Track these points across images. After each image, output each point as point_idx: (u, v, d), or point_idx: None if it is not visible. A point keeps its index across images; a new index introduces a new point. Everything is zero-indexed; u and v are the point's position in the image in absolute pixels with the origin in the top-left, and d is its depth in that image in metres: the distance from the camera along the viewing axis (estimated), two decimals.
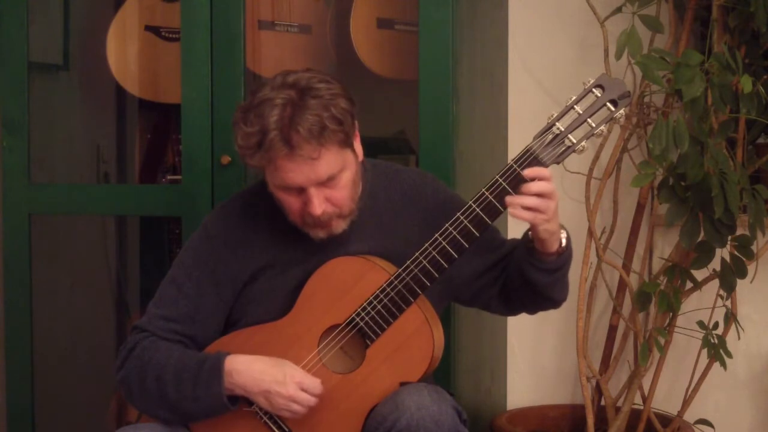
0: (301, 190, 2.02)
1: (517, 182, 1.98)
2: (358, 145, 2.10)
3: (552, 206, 1.98)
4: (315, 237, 2.09)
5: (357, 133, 2.09)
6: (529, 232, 2.06)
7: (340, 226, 2.08)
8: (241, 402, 2.08)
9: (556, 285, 2.13)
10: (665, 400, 2.91)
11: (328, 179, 2.01)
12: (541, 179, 1.97)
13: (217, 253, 2.14)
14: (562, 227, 2.08)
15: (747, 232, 2.56)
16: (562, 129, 1.98)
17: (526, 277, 2.09)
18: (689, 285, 2.72)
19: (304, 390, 2.03)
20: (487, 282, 2.18)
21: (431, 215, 2.12)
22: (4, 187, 2.80)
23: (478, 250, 2.09)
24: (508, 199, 1.98)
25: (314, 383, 2.04)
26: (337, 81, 2.04)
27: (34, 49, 2.81)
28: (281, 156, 1.97)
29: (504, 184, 1.98)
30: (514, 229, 2.47)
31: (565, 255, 2.09)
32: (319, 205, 2.02)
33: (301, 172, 1.99)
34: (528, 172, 1.97)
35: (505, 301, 2.20)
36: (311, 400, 2.03)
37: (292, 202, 2.05)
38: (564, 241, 2.07)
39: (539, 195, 1.97)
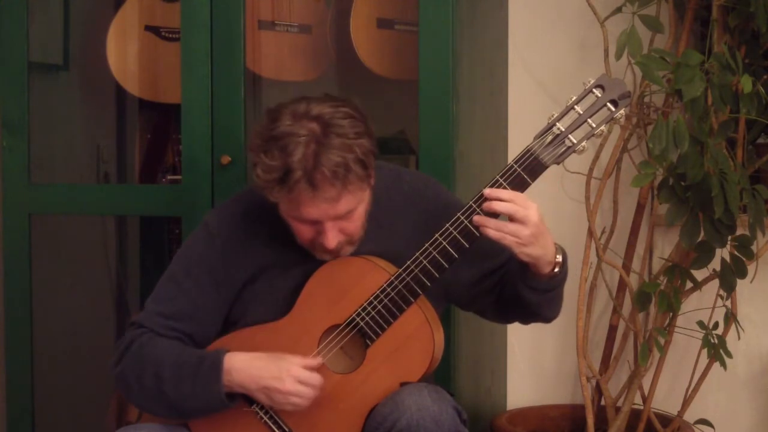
0: (315, 222, 2.02)
1: (517, 183, 1.98)
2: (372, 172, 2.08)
3: (524, 232, 1.95)
4: (321, 258, 2.09)
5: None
6: None
7: (347, 251, 2.09)
8: (240, 401, 2.08)
9: (546, 304, 2.12)
10: (665, 400, 2.91)
11: (345, 214, 2.02)
12: (509, 202, 1.96)
13: (218, 251, 2.14)
14: (561, 252, 2.06)
15: (747, 232, 2.56)
16: (563, 129, 1.98)
17: (516, 292, 2.09)
18: (689, 285, 2.71)
19: (301, 383, 2.02)
20: (485, 288, 2.18)
21: (432, 218, 2.11)
22: (4, 187, 2.80)
23: (477, 255, 2.09)
24: (476, 218, 1.96)
25: (311, 376, 2.03)
26: (359, 112, 2.02)
27: (34, 49, 2.81)
28: (303, 194, 1.96)
29: (504, 184, 1.98)
30: None
31: (557, 278, 2.07)
32: (333, 239, 2.02)
33: (320, 208, 1.99)
34: (489, 193, 1.96)
35: (502, 311, 2.20)
36: (310, 392, 2.02)
37: (304, 231, 2.05)
38: (557, 268, 2.05)
39: (510, 216, 1.95)
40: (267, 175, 1.97)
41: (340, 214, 2.00)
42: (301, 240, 2.08)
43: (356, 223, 2.05)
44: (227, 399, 2.05)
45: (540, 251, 2.00)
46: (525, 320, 2.22)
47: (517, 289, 2.09)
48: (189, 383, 2.05)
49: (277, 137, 1.96)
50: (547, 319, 2.18)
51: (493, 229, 1.96)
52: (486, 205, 1.97)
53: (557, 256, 2.04)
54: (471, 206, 2.00)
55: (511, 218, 1.96)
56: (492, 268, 2.17)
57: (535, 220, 1.96)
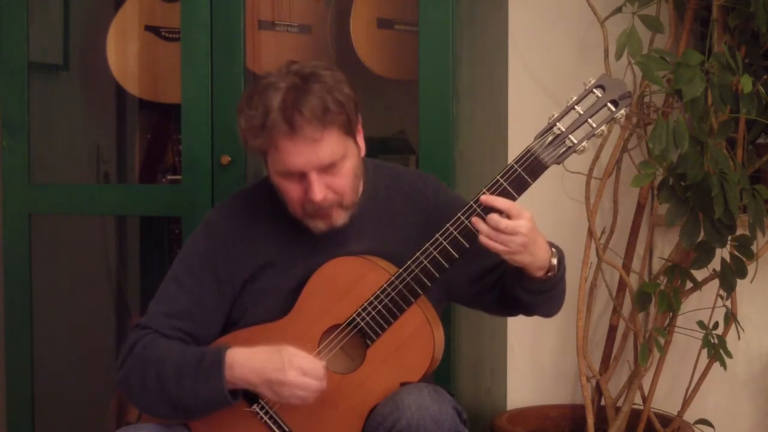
0: (302, 177, 2.02)
1: (517, 183, 1.98)
2: (360, 140, 2.11)
3: (515, 241, 1.95)
4: (315, 229, 2.08)
5: (360, 127, 2.10)
6: None
7: (340, 217, 2.08)
8: (241, 401, 2.08)
9: (543, 303, 2.13)
10: (665, 400, 2.91)
11: (329, 165, 2.01)
12: (504, 212, 1.96)
13: (219, 250, 2.14)
14: (557, 254, 2.05)
15: (747, 232, 2.56)
16: (563, 129, 1.98)
17: (513, 293, 2.10)
18: (689, 285, 2.72)
19: (305, 375, 2.01)
20: (486, 285, 2.18)
21: (432, 216, 2.12)
22: (4, 187, 2.80)
23: (478, 253, 2.09)
24: (473, 220, 1.97)
25: (314, 367, 2.01)
26: (342, 73, 2.06)
27: (34, 49, 2.81)
28: (282, 135, 1.98)
29: (504, 184, 1.98)
30: None
31: (552, 281, 2.06)
32: (319, 191, 2.02)
33: (303, 154, 1.99)
34: (486, 200, 1.97)
35: (505, 307, 2.20)
36: (315, 384, 2.01)
37: (292, 190, 2.05)
38: (550, 273, 2.04)
39: (497, 229, 1.96)
40: (249, 123, 2.01)
41: (323, 161, 2.00)
42: (293, 207, 2.07)
43: (343, 180, 2.05)
44: (230, 395, 2.05)
45: (529, 259, 2.00)
46: (527, 315, 2.21)
47: (513, 290, 2.09)
48: (191, 380, 2.04)
49: (259, 90, 2.01)
50: (546, 316, 2.19)
51: (484, 236, 1.97)
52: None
53: (552, 260, 2.04)
54: (471, 206, 2.00)
55: (499, 230, 1.96)
56: (492, 265, 2.17)
57: (524, 230, 1.96)
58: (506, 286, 2.12)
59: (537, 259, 2.01)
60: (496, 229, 1.95)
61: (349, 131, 2.04)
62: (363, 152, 2.12)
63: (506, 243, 1.96)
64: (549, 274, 2.05)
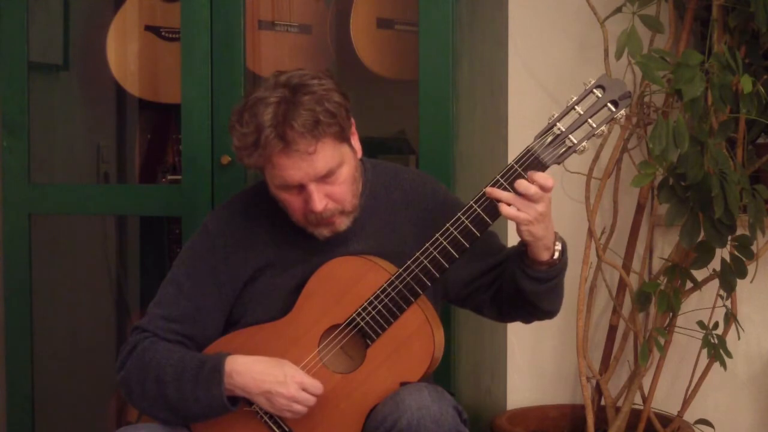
0: (301, 188, 2.02)
1: None
2: (356, 142, 2.10)
3: (535, 209, 1.96)
4: (320, 236, 2.09)
5: (354, 130, 2.10)
6: None
7: (343, 223, 2.08)
8: (241, 402, 2.08)
9: (545, 296, 2.11)
10: (665, 400, 2.91)
11: (326, 174, 2.02)
12: (535, 182, 1.97)
13: (218, 252, 2.14)
14: (560, 240, 2.06)
15: (747, 232, 2.56)
16: (563, 129, 1.98)
17: (516, 283, 2.09)
18: (689, 285, 2.72)
19: (304, 390, 2.03)
20: (480, 285, 2.18)
21: (431, 215, 2.13)
22: (4, 187, 2.80)
23: (475, 253, 2.09)
24: (488, 189, 1.98)
25: (314, 383, 2.04)
26: (330, 77, 2.05)
27: (34, 49, 2.81)
28: (277, 152, 1.98)
29: (505, 183, 1.98)
30: (514, 233, 2.46)
31: (556, 268, 2.07)
32: (319, 201, 2.02)
33: (299, 168, 1.99)
34: (530, 176, 1.97)
35: (498, 308, 2.20)
36: (312, 400, 2.03)
37: (293, 202, 2.05)
38: (557, 254, 2.05)
39: (520, 194, 1.96)
40: (242, 141, 2.01)
41: (320, 172, 2.00)
42: (295, 218, 2.08)
43: (342, 188, 2.05)
44: (229, 402, 2.05)
45: (542, 232, 2.00)
46: (525, 317, 2.21)
47: (516, 280, 2.08)
48: (190, 387, 2.05)
49: (249, 106, 2.01)
50: (548, 312, 2.17)
51: (507, 203, 1.97)
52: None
53: (556, 244, 2.05)
54: (471, 206, 2.00)
55: (523, 195, 1.97)
56: (490, 266, 2.17)
57: (546, 199, 1.98)
58: (507, 283, 2.12)
59: (548, 233, 2.01)
60: (525, 194, 1.96)
61: (343, 138, 2.04)
62: (360, 153, 2.12)
63: (526, 209, 1.96)
64: (554, 257, 2.05)
